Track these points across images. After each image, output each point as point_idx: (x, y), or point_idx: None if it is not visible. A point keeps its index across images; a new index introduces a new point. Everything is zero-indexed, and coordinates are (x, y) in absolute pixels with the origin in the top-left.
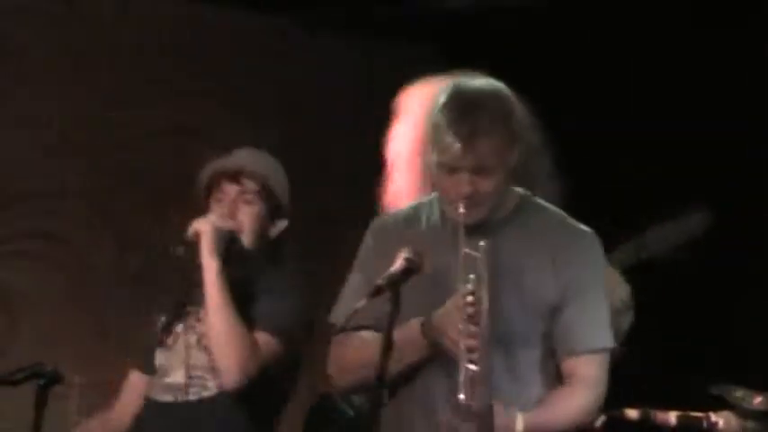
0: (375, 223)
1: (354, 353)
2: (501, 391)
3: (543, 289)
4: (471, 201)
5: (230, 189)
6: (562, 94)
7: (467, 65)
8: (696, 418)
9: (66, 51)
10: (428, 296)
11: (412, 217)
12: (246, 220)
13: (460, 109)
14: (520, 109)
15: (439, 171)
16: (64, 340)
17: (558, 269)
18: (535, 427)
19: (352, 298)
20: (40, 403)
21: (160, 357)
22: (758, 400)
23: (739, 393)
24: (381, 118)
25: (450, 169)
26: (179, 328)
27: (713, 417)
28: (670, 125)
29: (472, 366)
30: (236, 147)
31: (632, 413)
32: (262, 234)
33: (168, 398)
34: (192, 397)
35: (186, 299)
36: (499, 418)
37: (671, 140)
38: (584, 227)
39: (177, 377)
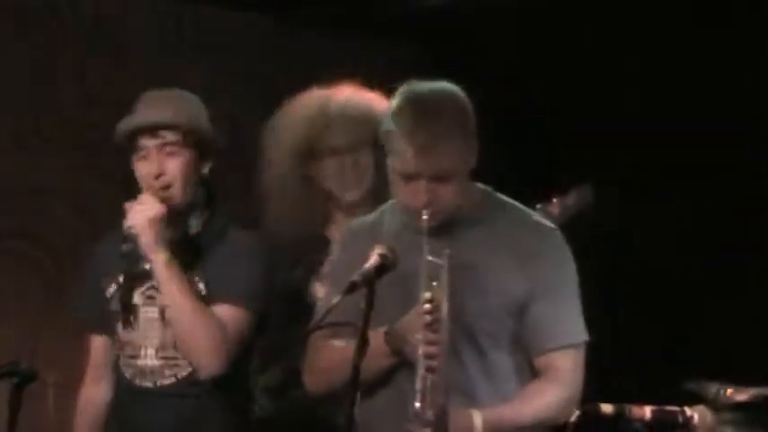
0: (344, 231)
1: (326, 361)
2: (476, 393)
3: (511, 288)
4: (432, 207)
5: (150, 145)
6: (551, 91)
7: (450, 63)
8: (671, 412)
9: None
10: (395, 299)
11: (377, 222)
12: (175, 171)
13: (416, 115)
14: (473, 115)
15: (397, 177)
16: (43, 339)
17: (525, 267)
18: (499, 423)
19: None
20: (15, 402)
21: (124, 335)
22: (730, 392)
23: (713, 388)
24: None
25: (408, 177)
26: (137, 299)
27: (688, 411)
28: (666, 124)
29: (428, 373)
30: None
31: (607, 408)
32: (195, 180)
33: (147, 383)
34: (167, 381)
35: (130, 266)
36: (457, 420)
37: (669, 140)
38: (548, 222)
39: (148, 360)
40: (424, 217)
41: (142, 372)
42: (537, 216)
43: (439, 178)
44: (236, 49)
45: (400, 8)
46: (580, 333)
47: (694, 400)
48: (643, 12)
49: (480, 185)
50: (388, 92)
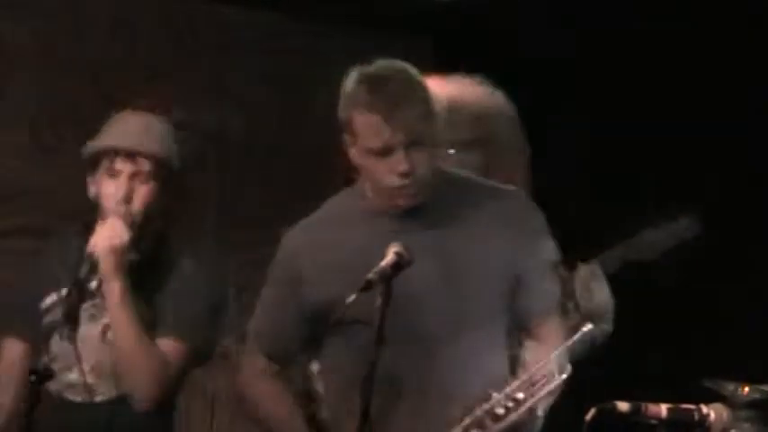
0: (286, 237)
1: (268, 405)
2: (477, 376)
3: (499, 261)
4: (410, 181)
5: (124, 168)
6: (557, 88)
7: (457, 57)
8: (687, 410)
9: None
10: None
11: (334, 217)
12: (141, 199)
13: (372, 88)
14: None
15: (369, 160)
16: None
17: (506, 238)
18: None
19: (271, 312)
20: (33, 400)
21: (58, 348)
22: (747, 390)
23: (730, 386)
24: None
25: (383, 151)
26: (81, 314)
27: (704, 409)
28: (668, 126)
29: None
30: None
31: (623, 406)
32: (157, 210)
33: (78, 398)
34: (99, 398)
35: (85, 282)
36: None
37: (667, 142)
38: (509, 187)
39: (82, 376)
40: (405, 191)
41: (73, 386)
42: (495, 183)
43: (412, 143)
44: (247, 47)
45: (413, 4)
46: (555, 294)
47: (711, 398)
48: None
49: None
50: None
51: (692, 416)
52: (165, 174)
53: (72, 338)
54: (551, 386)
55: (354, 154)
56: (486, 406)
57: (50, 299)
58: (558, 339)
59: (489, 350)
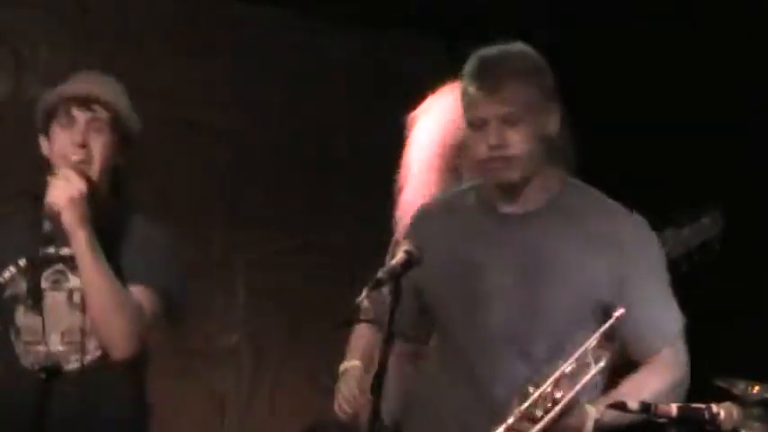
0: (418, 212)
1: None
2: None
3: (590, 280)
4: (502, 156)
5: (80, 116)
6: (575, 89)
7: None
8: (697, 409)
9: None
10: (462, 290)
11: (451, 205)
12: (97, 149)
13: (483, 63)
14: (551, 77)
15: (469, 133)
16: None
17: (607, 259)
18: (612, 416)
19: None
20: (45, 395)
21: (24, 321)
22: (757, 388)
23: (740, 384)
24: (388, 113)
25: (479, 123)
26: (43, 283)
27: (714, 408)
28: (686, 125)
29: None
30: (239, 142)
31: (633, 405)
32: (112, 165)
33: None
34: (71, 366)
35: (42, 249)
36: (572, 414)
37: (687, 141)
38: (628, 211)
39: (51, 346)
40: (495, 164)
41: (45, 358)
42: (618, 205)
43: (507, 121)
44: (255, 45)
45: (429, 2)
46: (680, 320)
47: (721, 396)
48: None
49: (561, 173)
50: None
51: (703, 415)
52: (121, 127)
53: (38, 309)
54: (587, 377)
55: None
56: (522, 407)
57: (8, 272)
58: (668, 367)
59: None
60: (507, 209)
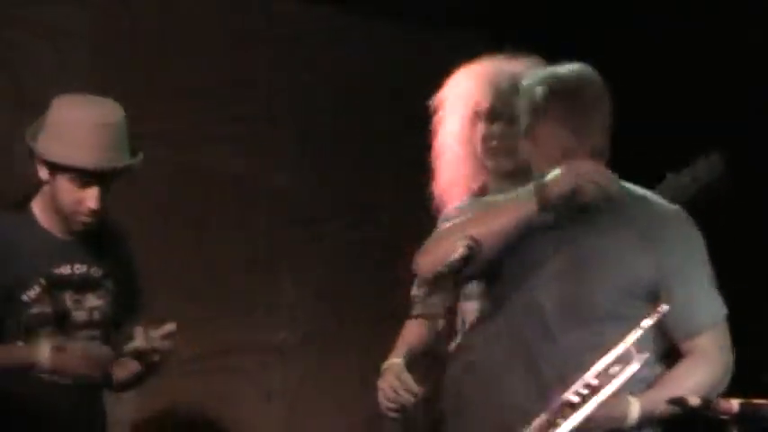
0: (472, 201)
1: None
2: (584, 367)
3: (635, 269)
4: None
5: (97, 182)
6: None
7: (516, 49)
8: (759, 405)
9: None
10: (521, 280)
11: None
12: (103, 205)
13: (570, 99)
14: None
15: (548, 163)
16: None
17: (652, 251)
18: (653, 409)
19: None
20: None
21: (53, 339)
22: None
23: None
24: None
25: (563, 157)
26: (68, 301)
27: None
28: (686, 125)
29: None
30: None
31: (694, 400)
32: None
33: (67, 380)
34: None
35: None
36: (613, 404)
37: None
38: (672, 205)
39: None
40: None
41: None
42: (660, 200)
43: (593, 154)
44: (303, 40)
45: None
46: (719, 310)
47: None
48: None
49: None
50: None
51: (765, 411)
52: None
53: (66, 332)
54: (628, 372)
55: (533, 155)
56: (564, 396)
57: (32, 291)
58: (705, 358)
59: (604, 346)
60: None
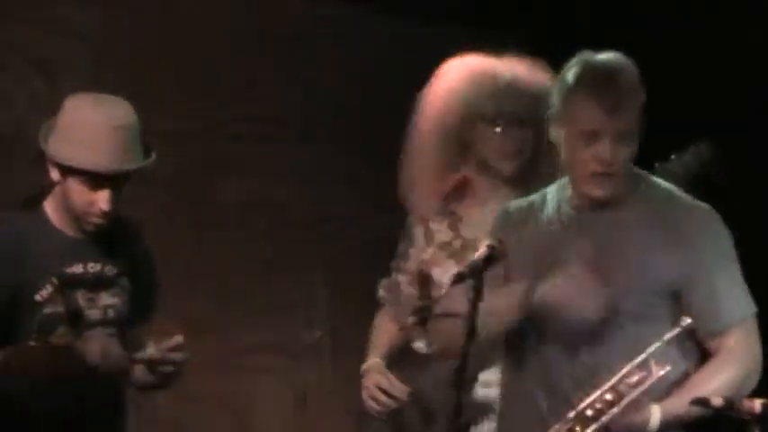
0: (499, 214)
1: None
2: (616, 370)
3: (660, 267)
4: (607, 172)
5: (110, 185)
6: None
7: (550, 50)
8: None
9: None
10: (541, 278)
11: (538, 204)
12: (114, 206)
13: (600, 75)
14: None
15: (575, 144)
16: None
17: (677, 248)
18: (677, 413)
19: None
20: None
21: (66, 338)
22: None
23: None
24: None
25: (591, 137)
26: (81, 300)
27: None
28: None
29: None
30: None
31: (717, 400)
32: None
33: None
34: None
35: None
36: (635, 411)
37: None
38: (700, 202)
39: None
40: (602, 181)
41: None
42: (686, 196)
43: (622, 138)
44: (335, 39)
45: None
46: (746, 307)
47: None
48: None
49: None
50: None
51: None
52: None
53: (79, 331)
54: (648, 383)
55: (561, 133)
56: (585, 401)
57: (45, 291)
58: (731, 357)
59: (642, 348)
60: (601, 194)
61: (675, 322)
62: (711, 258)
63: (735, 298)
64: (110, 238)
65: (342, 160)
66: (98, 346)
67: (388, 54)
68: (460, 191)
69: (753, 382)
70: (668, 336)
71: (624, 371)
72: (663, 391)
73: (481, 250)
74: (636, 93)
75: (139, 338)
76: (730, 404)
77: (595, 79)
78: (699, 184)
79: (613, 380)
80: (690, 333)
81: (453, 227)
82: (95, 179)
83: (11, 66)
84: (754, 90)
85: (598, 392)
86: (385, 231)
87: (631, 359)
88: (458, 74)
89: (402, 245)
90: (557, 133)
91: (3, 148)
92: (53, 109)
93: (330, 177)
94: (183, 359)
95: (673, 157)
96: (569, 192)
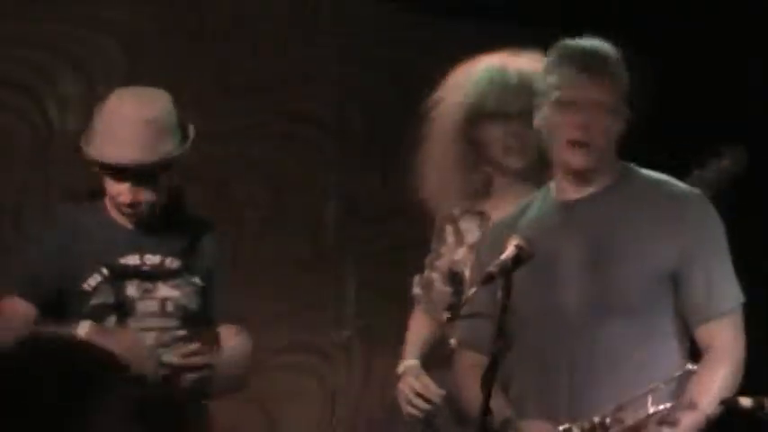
0: (491, 228)
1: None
2: (628, 362)
3: (657, 256)
4: (584, 140)
5: (131, 178)
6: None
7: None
8: None
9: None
10: (537, 281)
11: (521, 212)
12: (148, 200)
13: (581, 51)
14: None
15: (554, 112)
16: None
17: (670, 234)
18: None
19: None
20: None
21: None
22: None
23: None
24: None
25: (569, 105)
26: (134, 292)
27: None
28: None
29: None
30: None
31: (746, 401)
32: (164, 194)
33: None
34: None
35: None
36: None
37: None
38: (690, 188)
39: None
40: (579, 150)
41: None
42: (679, 183)
43: (598, 107)
44: (367, 38)
45: None
46: (738, 297)
47: None
48: None
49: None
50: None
51: None
52: (168, 167)
53: (127, 322)
54: (650, 410)
55: (543, 113)
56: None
57: (93, 280)
58: (724, 356)
59: (646, 339)
60: (575, 195)
61: (678, 283)
62: (706, 244)
63: (728, 286)
64: (178, 233)
65: (376, 160)
66: (115, 341)
67: (428, 53)
68: (486, 189)
69: (740, 377)
70: (666, 380)
71: (627, 401)
72: (668, 390)
73: (509, 250)
74: (615, 70)
75: (211, 338)
76: (760, 405)
77: (575, 51)
78: (730, 189)
79: (618, 405)
80: (685, 328)
81: (483, 226)
82: (115, 172)
83: (42, 64)
84: (753, 90)
85: (598, 418)
86: (423, 230)
87: (645, 351)
88: (463, 73)
89: (434, 242)
90: (541, 113)
91: (37, 146)
92: (86, 107)
93: (364, 174)
94: (204, 364)
95: (707, 166)
96: (554, 186)
